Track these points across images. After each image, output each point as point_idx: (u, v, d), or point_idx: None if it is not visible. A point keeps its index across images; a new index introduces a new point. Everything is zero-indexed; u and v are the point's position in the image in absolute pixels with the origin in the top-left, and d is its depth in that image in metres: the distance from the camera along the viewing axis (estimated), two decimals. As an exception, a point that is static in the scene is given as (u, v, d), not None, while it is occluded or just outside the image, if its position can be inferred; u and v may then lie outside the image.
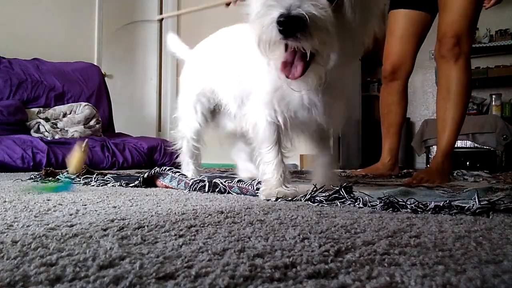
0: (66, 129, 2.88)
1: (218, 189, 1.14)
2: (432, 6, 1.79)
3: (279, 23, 0.72)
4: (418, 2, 1.83)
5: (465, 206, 0.79)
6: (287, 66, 0.81)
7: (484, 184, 1.51)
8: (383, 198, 0.85)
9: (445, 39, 1.63)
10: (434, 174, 1.61)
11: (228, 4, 1.76)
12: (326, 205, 0.89)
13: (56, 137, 2.71)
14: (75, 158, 1.23)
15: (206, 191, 1.14)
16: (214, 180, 1.16)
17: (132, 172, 2.13)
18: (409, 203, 0.82)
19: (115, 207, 0.82)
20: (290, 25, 0.71)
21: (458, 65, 1.63)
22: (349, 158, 3.80)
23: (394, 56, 1.90)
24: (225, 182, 1.15)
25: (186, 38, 1.65)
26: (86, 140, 1.28)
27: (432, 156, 3.89)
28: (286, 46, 0.80)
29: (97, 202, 0.89)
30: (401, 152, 3.61)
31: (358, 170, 2.24)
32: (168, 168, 1.32)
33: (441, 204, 0.80)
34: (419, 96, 5.16)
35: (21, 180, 1.45)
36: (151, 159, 2.90)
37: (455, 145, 1.70)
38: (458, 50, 1.62)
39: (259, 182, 1.08)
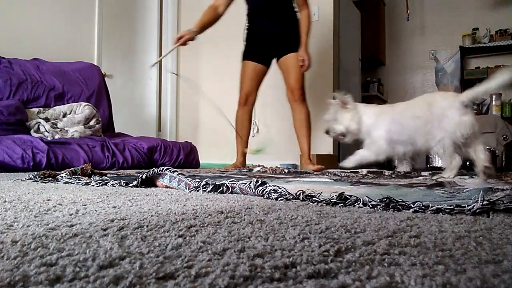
0: (66, 129, 2.88)
1: (220, 189, 1.14)
2: (268, 62, 3.02)
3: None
4: (259, 58, 2.98)
5: (465, 206, 0.79)
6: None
7: (484, 184, 1.51)
8: (383, 199, 0.85)
9: (296, 91, 2.87)
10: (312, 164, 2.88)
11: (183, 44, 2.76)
12: (325, 204, 0.89)
13: (56, 137, 2.71)
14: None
15: (207, 191, 1.14)
16: (218, 180, 1.17)
17: (132, 172, 2.13)
18: (412, 205, 0.82)
19: (115, 207, 0.82)
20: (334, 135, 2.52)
21: (304, 105, 2.90)
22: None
23: (246, 89, 2.99)
24: (229, 182, 1.15)
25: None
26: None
27: (431, 156, 4.00)
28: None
29: (97, 202, 0.89)
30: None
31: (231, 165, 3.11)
32: (166, 168, 1.32)
33: (442, 208, 0.80)
34: (419, 95, 5.17)
35: (21, 180, 1.45)
36: (151, 159, 2.90)
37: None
38: (303, 96, 2.90)
39: (259, 184, 1.08)
